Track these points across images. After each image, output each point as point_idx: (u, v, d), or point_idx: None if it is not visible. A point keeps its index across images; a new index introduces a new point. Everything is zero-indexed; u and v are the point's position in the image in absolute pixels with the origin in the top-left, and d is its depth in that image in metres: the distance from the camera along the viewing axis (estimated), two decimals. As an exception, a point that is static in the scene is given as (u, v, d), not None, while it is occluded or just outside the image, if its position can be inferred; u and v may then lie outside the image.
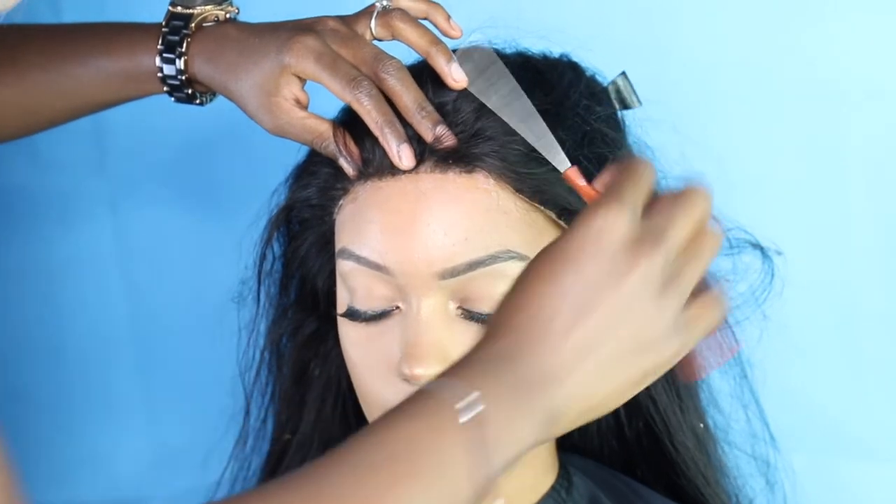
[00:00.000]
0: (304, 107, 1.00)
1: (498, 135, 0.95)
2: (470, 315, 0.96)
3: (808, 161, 1.25)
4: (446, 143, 0.95)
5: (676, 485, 1.11)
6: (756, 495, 1.18)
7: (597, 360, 0.79)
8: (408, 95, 0.96)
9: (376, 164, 0.96)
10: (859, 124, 1.23)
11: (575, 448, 1.13)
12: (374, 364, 0.99)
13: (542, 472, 1.06)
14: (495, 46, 1.04)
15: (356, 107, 0.96)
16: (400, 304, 0.98)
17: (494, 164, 0.95)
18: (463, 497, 0.75)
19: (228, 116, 1.09)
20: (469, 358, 0.80)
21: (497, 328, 0.80)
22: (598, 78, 1.07)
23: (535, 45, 1.06)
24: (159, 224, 1.01)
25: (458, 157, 0.95)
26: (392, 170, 0.96)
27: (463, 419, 0.74)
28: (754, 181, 1.23)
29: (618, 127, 1.04)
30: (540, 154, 0.94)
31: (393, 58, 0.98)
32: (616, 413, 1.10)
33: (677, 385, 1.09)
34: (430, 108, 0.96)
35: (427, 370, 0.95)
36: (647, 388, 1.07)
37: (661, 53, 1.26)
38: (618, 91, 1.06)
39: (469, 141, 0.95)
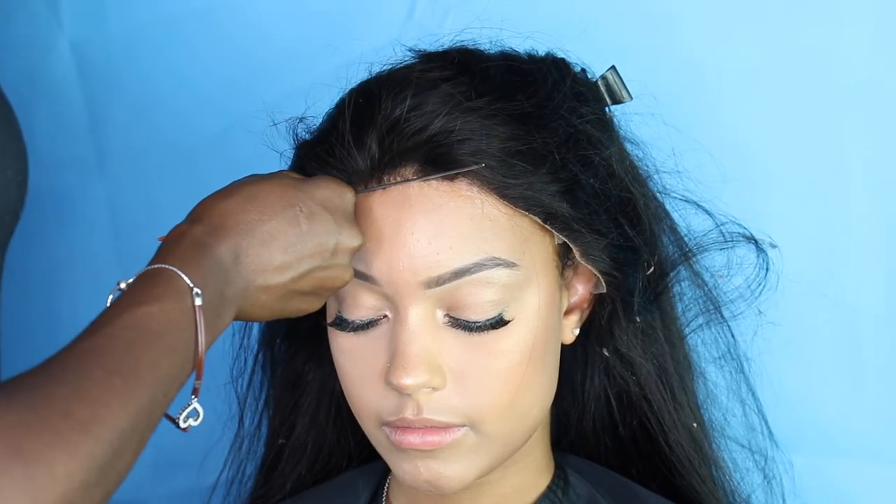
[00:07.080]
0: None
1: (475, 137, 0.95)
2: (457, 323, 0.96)
3: (803, 154, 1.23)
4: None
5: (672, 483, 1.10)
6: (753, 490, 1.17)
7: None
8: None
9: (361, 175, 0.96)
10: (856, 116, 1.22)
11: (571, 447, 1.12)
12: (362, 373, 0.98)
13: (536, 472, 1.06)
14: (480, 46, 1.04)
15: None
16: (387, 313, 0.97)
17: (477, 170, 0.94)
18: None
19: (227, 117, 1.09)
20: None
21: None
22: (588, 73, 1.07)
23: (521, 44, 1.05)
24: (157, 224, 1.00)
25: (440, 163, 0.94)
26: (377, 180, 0.95)
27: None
28: (746, 175, 1.21)
29: (605, 127, 1.03)
30: (523, 159, 0.93)
31: None
32: (610, 412, 1.10)
33: (671, 384, 1.08)
34: None
35: (415, 379, 0.95)
36: (641, 388, 1.08)
37: (651, 47, 1.25)
38: (608, 86, 1.06)
39: (447, 146, 0.94)
